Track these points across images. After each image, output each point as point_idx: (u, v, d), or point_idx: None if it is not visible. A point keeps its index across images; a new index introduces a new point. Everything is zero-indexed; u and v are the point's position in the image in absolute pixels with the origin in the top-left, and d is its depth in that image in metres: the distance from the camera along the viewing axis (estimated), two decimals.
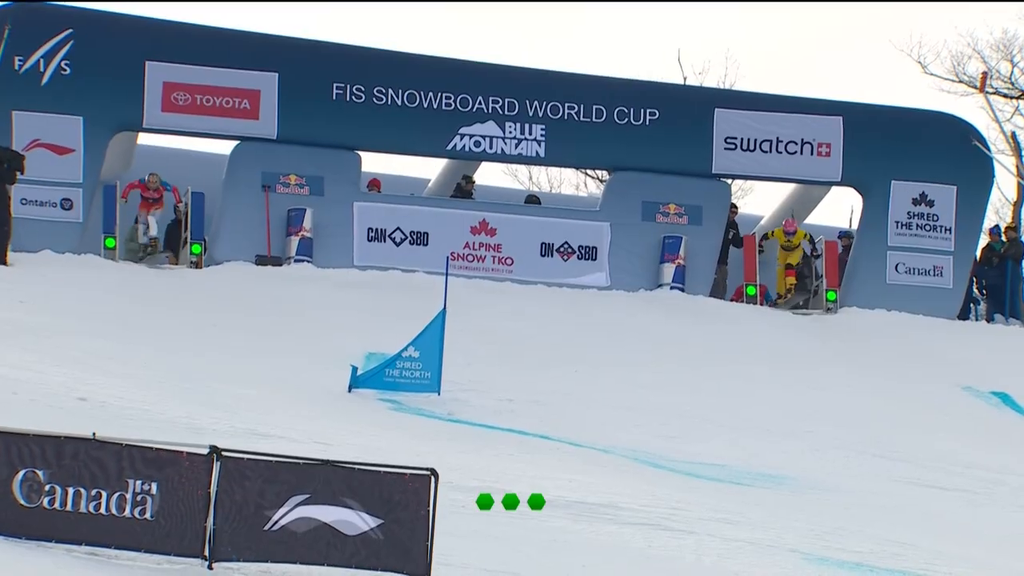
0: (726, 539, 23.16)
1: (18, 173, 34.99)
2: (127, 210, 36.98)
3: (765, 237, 39.02)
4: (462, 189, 39.24)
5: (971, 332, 37.71)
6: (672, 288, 37.65)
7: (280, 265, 36.28)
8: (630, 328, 35.03)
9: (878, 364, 34.55)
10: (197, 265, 36.16)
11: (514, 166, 49.39)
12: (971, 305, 39.42)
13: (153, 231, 35.34)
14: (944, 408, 33.04)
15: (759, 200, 47.36)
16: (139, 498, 17.24)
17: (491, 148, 38.54)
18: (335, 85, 37.53)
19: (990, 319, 39.35)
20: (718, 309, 37.11)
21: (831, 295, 38.10)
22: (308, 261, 36.82)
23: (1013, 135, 49.80)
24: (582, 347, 33.83)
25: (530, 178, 52.25)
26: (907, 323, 37.14)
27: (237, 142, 37.77)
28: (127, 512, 17.25)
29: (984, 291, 40.00)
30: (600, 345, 34.06)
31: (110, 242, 36.01)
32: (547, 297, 36.46)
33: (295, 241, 37.15)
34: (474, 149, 38.52)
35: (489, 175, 41.44)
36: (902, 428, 31.34)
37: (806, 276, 38.77)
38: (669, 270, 37.90)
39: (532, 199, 41.59)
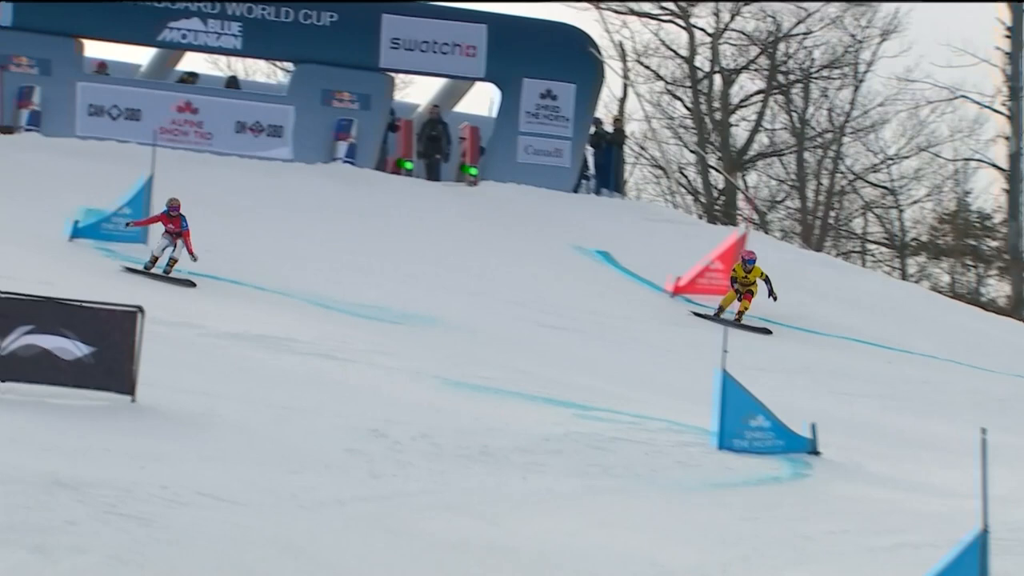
0: (383, 367, 23.29)
1: None
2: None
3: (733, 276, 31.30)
4: (185, 82, 38.92)
5: (582, 202, 38.20)
6: (344, 162, 37.66)
7: (12, 133, 35.50)
8: (309, 194, 34.83)
9: (510, 227, 34.78)
10: None
11: (215, 56, 48.77)
12: (583, 180, 39.85)
13: (169, 253, 28.42)
14: (560, 263, 33.39)
15: (418, 90, 47.09)
16: None
17: (195, 40, 38.07)
18: None
19: (598, 192, 39.83)
20: (381, 180, 37.07)
21: (471, 170, 38.22)
22: (36, 130, 36.15)
23: (620, 44, 50.20)
24: (269, 209, 33.59)
25: (228, 66, 51.57)
26: (533, 194, 37.45)
27: None
28: None
29: (594, 169, 40.49)
30: (284, 208, 33.84)
31: None
32: (240, 167, 36.16)
33: (25, 113, 36.42)
34: (181, 41, 38.00)
35: (194, 64, 41.07)
36: (528, 279, 31.63)
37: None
38: (342, 147, 37.88)
39: (232, 81, 41.30)
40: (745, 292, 30.54)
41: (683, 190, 51.89)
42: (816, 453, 21.14)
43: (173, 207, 28.28)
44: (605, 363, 25.78)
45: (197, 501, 15.32)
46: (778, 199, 52.19)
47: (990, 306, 45.28)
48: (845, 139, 51.64)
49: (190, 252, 27.84)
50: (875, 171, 51.81)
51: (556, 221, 35.34)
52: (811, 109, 51.92)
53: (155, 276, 28.01)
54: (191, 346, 22.76)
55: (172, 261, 28.08)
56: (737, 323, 29.67)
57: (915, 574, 14.85)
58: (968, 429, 14.04)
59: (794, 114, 51.97)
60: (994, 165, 50.55)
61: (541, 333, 28.02)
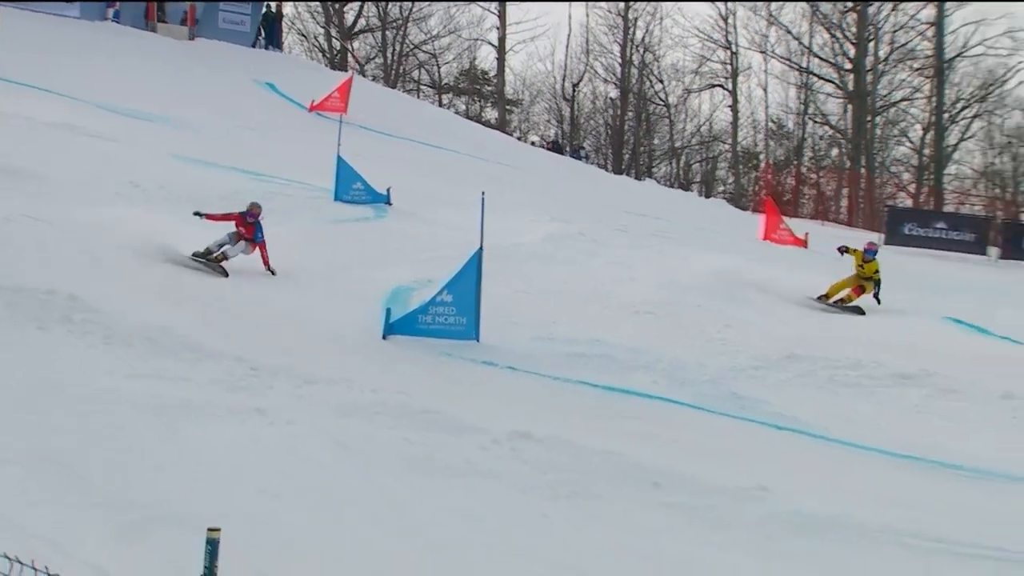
0: (136, 143, 22.10)
1: None
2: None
3: (846, 249, 19.33)
4: None
5: (257, 54, 36.73)
6: (112, 21, 34.72)
7: None
8: (90, 42, 32.45)
9: (214, 68, 33.06)
10: None
11: None
12: (257, 40, 38.04)
13: (226, 253, 15.57)
14: (245, 90, 31.80)
15: None
16: None
17: None
18: None
19: (266, 48, 38.21)
20: (136, 34, 34.55)
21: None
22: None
23: None
24: (64, 47, 31.16)
25: None
26: (227, 47, 35.12)
27: None
28: None
29: (265, 31, 38.83)
30: (77, 47, 31.41)
31: None
32: (42, 20, 33.19)
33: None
34: None
35: None
36: (226, 98, 29.91)
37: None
38: (111, 11, 34.89)
39: None
40: (857, 286, 18.80)
41: (316, 49, 50.83)
42: (390, 204, 21.42)
43: (252, 213, 15.87)
44: (270, 149, 25.32)
45: None
46: (371, 57, 51.53)
47: (488, 124, 45.86)
48: (409, 24, 51.22)
49: (266, 265, 15.66)
50: (425, 44, 51.57)
51: (242, 65, 34.08)
52: (390, 5, 51.14)
53: (203, 261, 15.42)
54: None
55: (222, 256, 15.48)
56: (840, 305, 18.65)
57: (437, 271, 15.34)
58: (475, 192, 14.43)
59: (380, 6, 51.11)
60: (489, 43, 50.92)
61: (234, 130, 26.95)
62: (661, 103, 50.55)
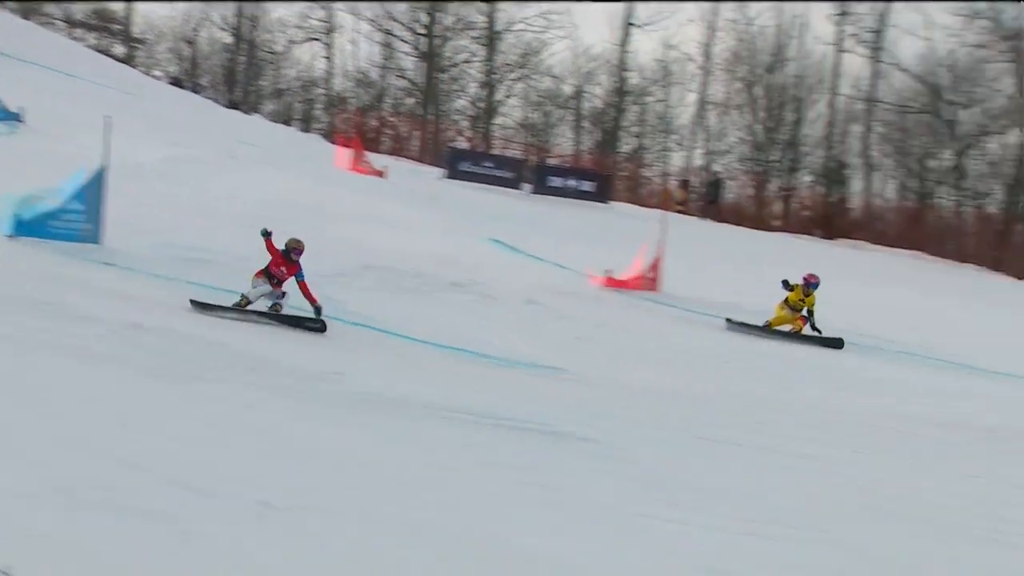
0: None
1: None
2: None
3: (788, 286, 15.85)
4: None
5: None
6: None
7: None
8: None
9: None
10: None
11: None
12: None
13: (272, 300, 12.13)
14: None
15: None
16: None
17: None
18: None
19: None
20: None
21: None
22: None
23: None
24: None
25: None
26: None
27: None
28: None
29: None
30: None
31: None
32: None
33: None
34: None
35: None
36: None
37: None
38: None
39: None
40: (800, 316, 15.76)
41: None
42: (22, 122, 19.49)
43: (296, 250, 12.12)
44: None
45: None
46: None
47: (117, 59, 42.34)
48: None
49: (313, 302, 12.07)
50: None
51: None
52: None
53: (277, 316, 11.99)
54: None
55: (277, 307, 12.10)
56: (795, 334, 15.70)
57: (66, 183, 14.19)
58: (103, 116, 13.40)
59: None
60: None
61: None
62: (269, 51, 49.17)
